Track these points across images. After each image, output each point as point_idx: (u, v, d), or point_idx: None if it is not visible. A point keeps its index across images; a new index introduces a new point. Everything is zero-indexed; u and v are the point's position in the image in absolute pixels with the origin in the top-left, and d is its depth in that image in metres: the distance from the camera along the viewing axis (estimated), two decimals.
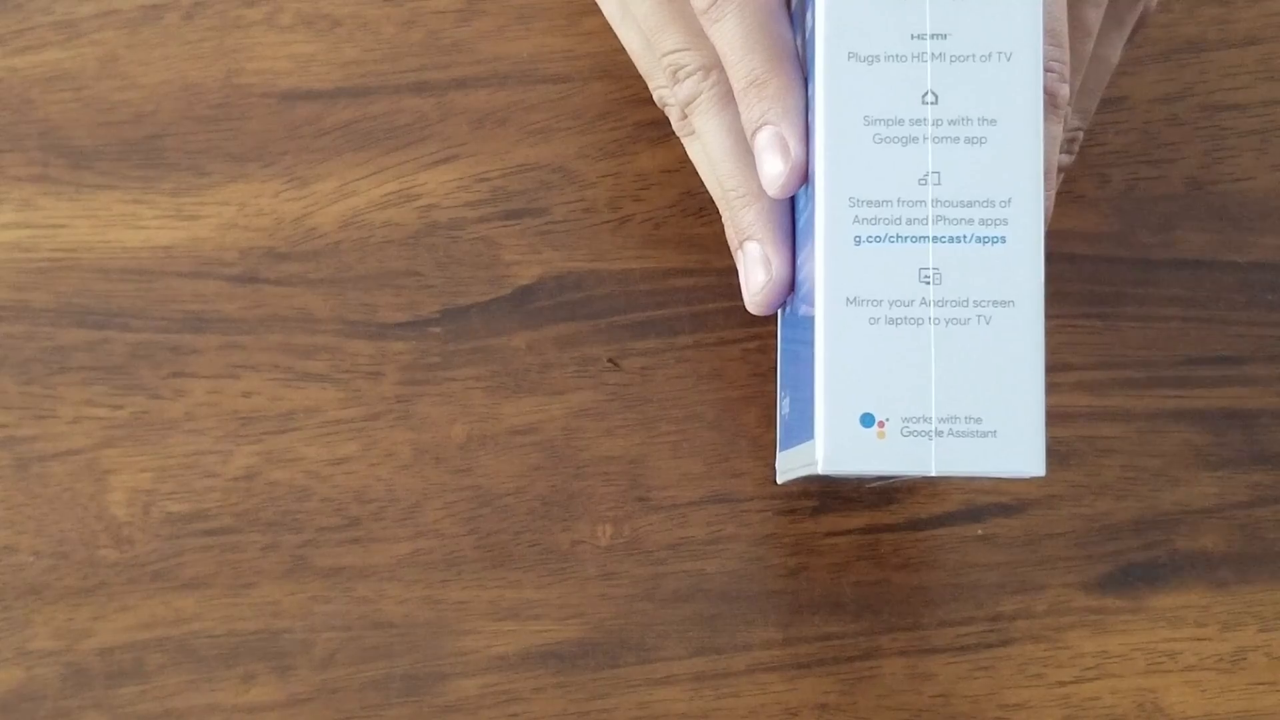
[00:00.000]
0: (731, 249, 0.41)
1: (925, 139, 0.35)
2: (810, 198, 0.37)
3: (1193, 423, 0.48)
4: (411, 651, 0.46)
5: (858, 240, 0.35)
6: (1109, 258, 0.48)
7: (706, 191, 0.48)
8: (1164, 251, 0.48)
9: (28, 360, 0.47)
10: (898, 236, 0.35)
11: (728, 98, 0.40)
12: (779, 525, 0.47)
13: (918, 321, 0.35)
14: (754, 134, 0.38)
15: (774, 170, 0.38)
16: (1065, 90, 0.38)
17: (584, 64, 0.48)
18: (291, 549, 0.47)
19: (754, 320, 0.47)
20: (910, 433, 0.34)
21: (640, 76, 0.45)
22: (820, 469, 0.35)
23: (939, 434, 0.34)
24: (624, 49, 0.45)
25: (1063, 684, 0.47)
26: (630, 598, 0.47)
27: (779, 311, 0.42)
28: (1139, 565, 0.47)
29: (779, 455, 0.43)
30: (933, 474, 0.35)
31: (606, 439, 0.47)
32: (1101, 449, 0.47)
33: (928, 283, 0.35)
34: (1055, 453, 0.47)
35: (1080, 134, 0.44)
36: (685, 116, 0.42)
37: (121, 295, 0.47)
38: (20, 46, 0.48)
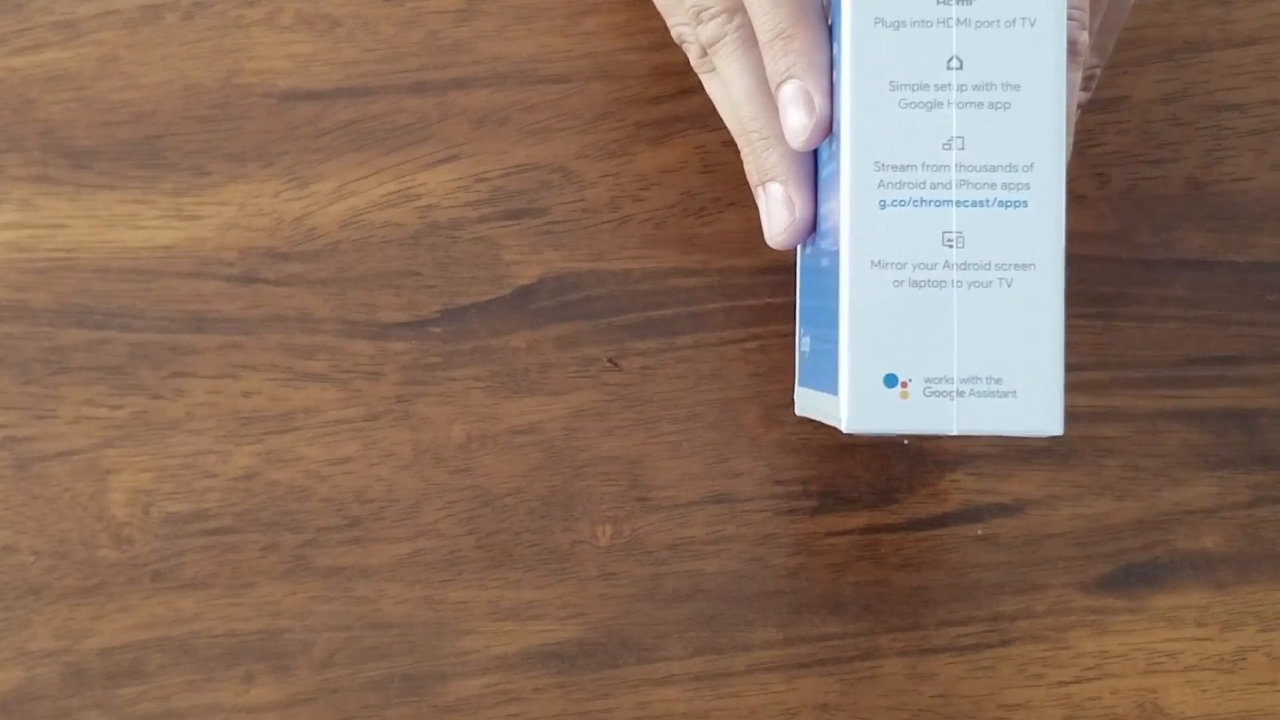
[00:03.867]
0: (751, 185, 0.41)
1: (950, 104, 0.36)
2: (834, 153, 0.37)
3: (1193, 423, 0.47)
4: (411, 651, 0.46)
5: (883, 204, 0.36)
6: (1109, 258, 0.48)
7: (706, 192, 0.48)
8: (1164, 251, 0.48)
9: (28, 360, 0.47)
10: (922, 200, 0.36)
11: (751, 41, 0.41)
12: (779, 525, 0.47)
13: (940, 284, 0.35)
14: (779, 86, 0.39)
15: (798, 123, 0.38)
16: (1084, 37, 0.39)
17: (584, 64, 0.48)
18: (291, 549, 0.47)
19: (754, 320, 0.47)
20: (932, 393, 0.35)
21: (640, 78, 0.45)
22: (844, 428, 0.35)
23: (960, 394, 0.35)
24: (624, 49, 0.45)
25: (1063, 684, 0.47)
26: (630, 598, 0.47)
27: (798, 249, 0.42)
28: (1139, 565, 0.47)
29: (797, 390, 0.43)
30: (954, 433, 0.35)
31: (606, 439, 0.47)
32: (1101, 449, 0.47)
33: (950, 246, 0.35)
34: (1055, 453, 0.47)
35: (1098, 71, 0.44)
36: (705, 54, 0.42)
37: (121, 295, 0.47)
38: (20, 46, 0.48)
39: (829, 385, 0.37)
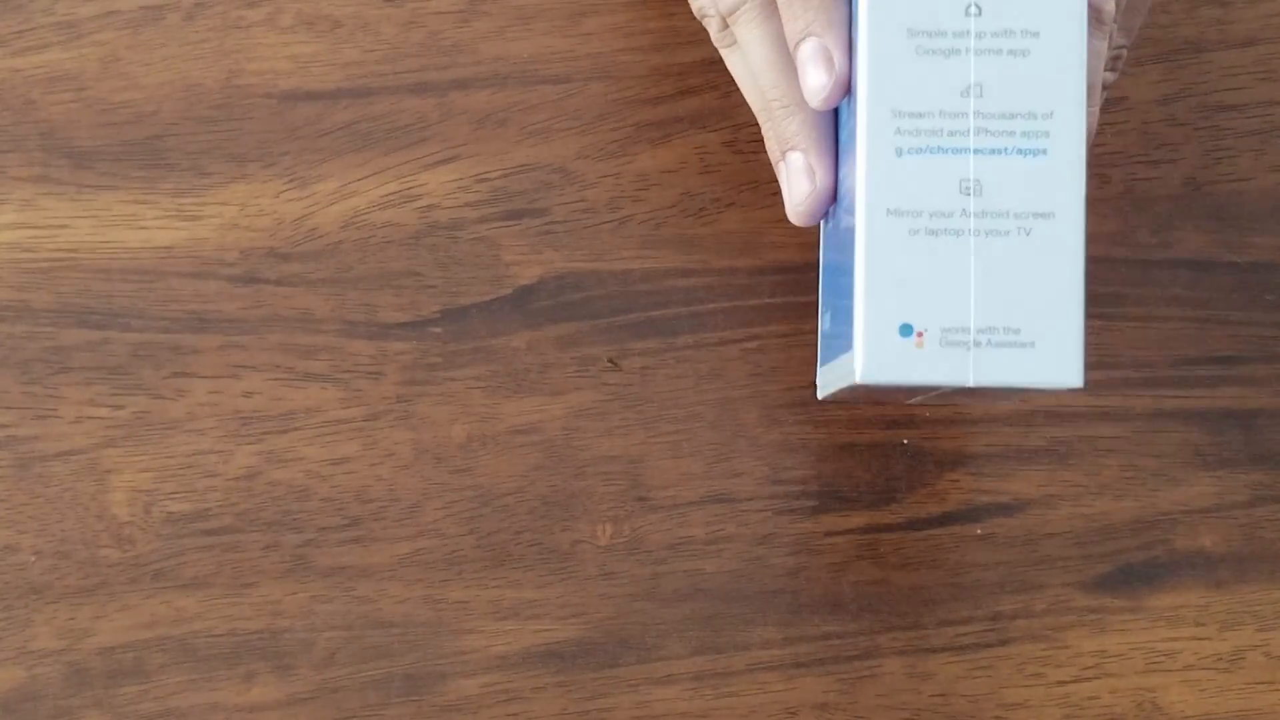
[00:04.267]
0: (772, 161, 0.41)
1: (968, 51, 0.35)
2: (852, 110, 0.37)
3: (1192, 423, 0.48)
4: (412, 651, 0.47)
5: (899, 152, 0.35)
6: (1108, 258, 0.48)
7: (706, 192, 0.48)
8: (1163, 251, 0.48)
9: (29, 360, 0.47)
10: (939, 148, 0.35)
11: (770, 8, 0.40)
12: (779, 525, 0.47)
13: (958, 233, 0.35)
14: (797, 45, 0.38)
15: (817, 82, 0.38)
16: (1110, 6, 0.38)
17: (584, 65, 0.48)
18: (292, 549, 0.47)
19: (754, 320, 0.47)
20: (949, 343, 0.35)
21: (640, 78, 0.45)
22: (858, 379, 0.35)
23: (977, 344, 0.35)
24: (624, 50, 0.45)
25: (1062, 683, 0.47)
26: (630, 597, 0.47)
27: (820, 225, 0.42)
28: (1138, 565, 0.47)
29: (819, 371, 0.42)
30: (970, 384, 0.35)
31: (606, 439, 0.47)
32: (1101, 449, 0.47)
33: (968, 194, 0.35)
34: (1055, 453, 0.47)
35: (1124, 52, 0.44)
36: (726, 26, 0.42)
37: (122, 295, 0.48)
38: (22, 47, 0.48)
39: (846, 344, 0.36)
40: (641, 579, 0.47)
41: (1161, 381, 0.48)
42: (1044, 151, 0.35)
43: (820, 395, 0.42)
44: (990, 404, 0.47)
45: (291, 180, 0.48)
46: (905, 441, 0.47)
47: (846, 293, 0.36)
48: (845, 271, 0.37)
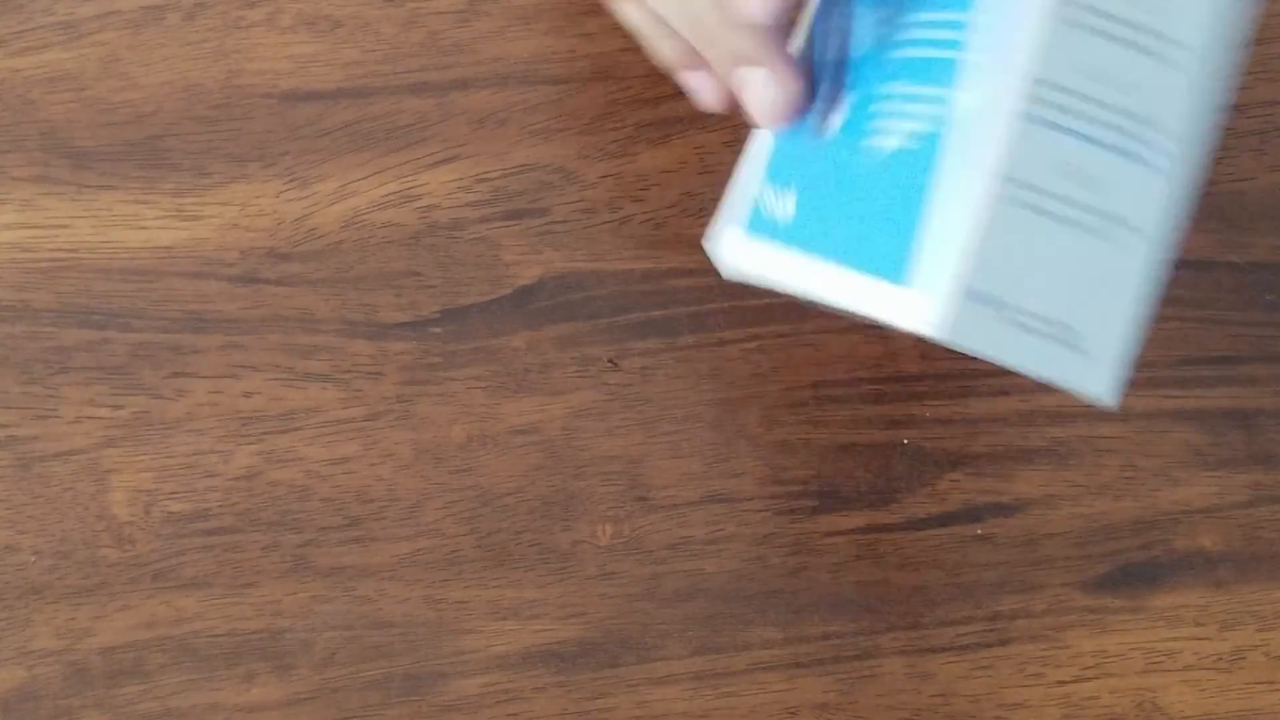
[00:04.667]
0: (721, 75, 0.39)
1: (1134, 47, 0.35)
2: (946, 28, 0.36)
3: (1192, 423, 0.48)
4: (411, 651, 0.47)
5: (1029, 118, 0.35)
6: None
7: (706, 192, 0.48)
8: None
9: (29, 360, 0.47)
10: (1067, 128, 0.35)
11: None
12: (779, 525, 0.47)
13: (1052, 215, 0.35)
14: None
15: None
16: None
17: (584, 65, 0.48)
18: (292, 549, 0.47)
19: (754, 320, 0.47)
20: (1005, 320, 0.34)
21: (640, 78, 0.45)
22: (933, 332, 0.34)
23: (1029, 329, 0.34)
24: (624, 50, 0.45)
25: (1062, 683, 0.47)
26: (630, 597, 0.47)
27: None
28: (1138, 565, 0.47)
29: (745, 237, 0.39)
30: (1008, 364, 0.34)
31: (606, 439, 0.47)
32: (1101, 449, 0.47)
33: (1076, 182, 0.35)
34: (1055, 453, 0.47)
35: None
36: None
37: (122, 295, 0.48)
38: (22, 47, 0.48)
39: (869, 264, 0.35)
40: (641, 579, 0.47)
41: (1161, 381, 0.48)
42: (1160, 169, 0.35)
43: (729, 262, 0.39)
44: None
45: (291, 180, 0.48)
46: (905, 441, 0.47)
47: (854, 187, 0.36)
48: (852, 162, 0.36)
